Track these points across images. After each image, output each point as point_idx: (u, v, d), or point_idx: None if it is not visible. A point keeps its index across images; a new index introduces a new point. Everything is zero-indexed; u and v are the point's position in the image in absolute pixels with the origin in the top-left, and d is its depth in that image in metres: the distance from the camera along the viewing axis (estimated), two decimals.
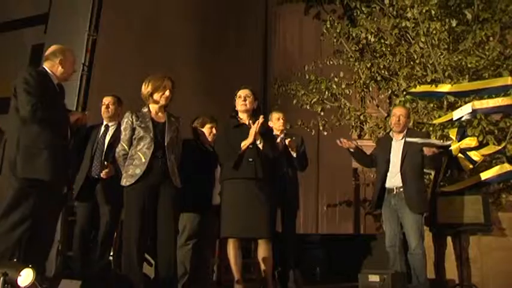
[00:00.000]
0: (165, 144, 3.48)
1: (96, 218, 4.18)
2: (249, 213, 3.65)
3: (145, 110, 3.57)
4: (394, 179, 4.29)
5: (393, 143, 4.41)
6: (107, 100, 4.36)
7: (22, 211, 3.19)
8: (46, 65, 3.51)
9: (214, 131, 4.31)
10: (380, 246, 6.07)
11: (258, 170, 3.71)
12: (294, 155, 4.63)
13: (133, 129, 3.47)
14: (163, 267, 3.41)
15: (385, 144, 4.49)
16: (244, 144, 3.70)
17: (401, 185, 4.23)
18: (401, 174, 4.24)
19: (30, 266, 2.73)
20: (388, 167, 4.33)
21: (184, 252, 4.02)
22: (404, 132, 4.40)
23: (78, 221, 4.26)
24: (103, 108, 4.33)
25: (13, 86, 3.30)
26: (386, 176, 4.34)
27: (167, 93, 3.55)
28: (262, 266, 3.70)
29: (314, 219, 9.88)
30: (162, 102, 3.57)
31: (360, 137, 10.86)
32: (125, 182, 3.43)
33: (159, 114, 3.59)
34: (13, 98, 3.30)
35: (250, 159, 3.72)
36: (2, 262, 2.89)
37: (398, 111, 4.45)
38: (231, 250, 3.70)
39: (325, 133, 6.60)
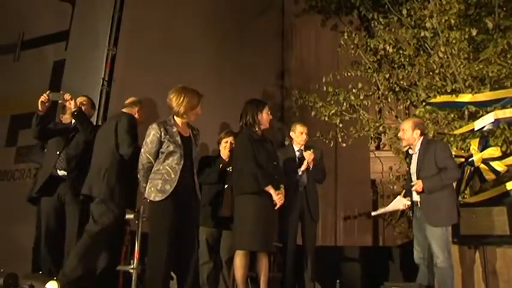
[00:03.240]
0: (192, 158, 3.46)
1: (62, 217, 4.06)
2: (268, 227, 3.70)
3: (171, 122, 3.51)
4: (415, 193, 4.23)
5: (412, 156, 4.35)
6: (81, 99, 4.30)
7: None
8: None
9: (229, 144, 4.37)
10: (402, 258, 6.02)
11: (279, 186, 3.81)
12: (311, 167, 4.61)
13: (161, 143, 3.39)
14: (189, 284, 3.38)
15: (408, 158, 4.47)
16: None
17: (420, 198, 4.18)
18: None
19: (55, 278, 2.77)
20: (411, 181, 4.29)
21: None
22: (419, 143, 4.26)
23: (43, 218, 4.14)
24: None
25: (114, 125, 3.77)
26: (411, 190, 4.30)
27: (199, 111, 3.53)
28: (264, 279, 3.73)
29: (332, 231, 9.79)
30: (192, 119, 3.55)
31: (377, 148, 10.85)
32: (153, 196, 3.33)
33: (184, 127, 3.55)
34: (113, 134, 3.74)
35: (277, 177, 3.82)
36: (28, 275, 2.94)
37: (401, 126, 4.42)
38: (244, 263, 3.69)
39: (344, 145, 6.57)
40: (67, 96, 3.91)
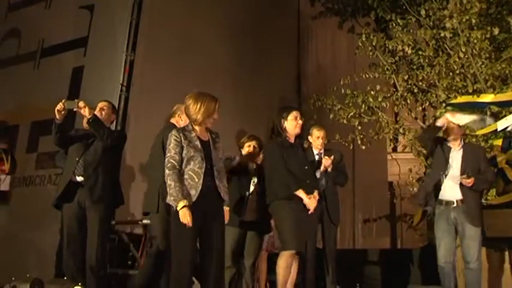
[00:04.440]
0: (212, 162, 3.43)
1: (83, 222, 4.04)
2: (304, 230, 3.76)
3: (189, 128, 3.50)
4: (453, 191, 4.14)
5: (452, 152, 4.26)
6: (102, 104, 4.28)
7: None
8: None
9: (252, 148, 4.31)
10: (422, 260, 5.94)
11: (311, 191, 3.79)
12: (329, 170, 4.58)
13: (182, 148, 3.37)
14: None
15: (445, 150, 4.31)
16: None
17: (461, 197, 4.10)
18: (460, 185, 4.10)
19: (79, 284, 2.77)
20: (444, 177, 4.20)
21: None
22: (461, 142, 4.29)
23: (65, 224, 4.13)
24: (97, 111, 4.19)
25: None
26: (440, 184, 4.20)
27: (216, 116, 3.49)
28: (291, 281, 3.75)
29: (351, 234, 9.73)
30: (209, 125, 3.51)
31: (394, 150, 10.76)
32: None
33: (203, 132, 3.53)
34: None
35: (308, 181, 3.80)
36: (53, 280, 2.96)
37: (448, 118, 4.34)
38: (289, 263, 3.68)
39: (363, 147, 6.53)
40: (81, 104, 3.93)
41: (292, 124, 3.88)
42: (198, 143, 3.41)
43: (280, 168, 3.76)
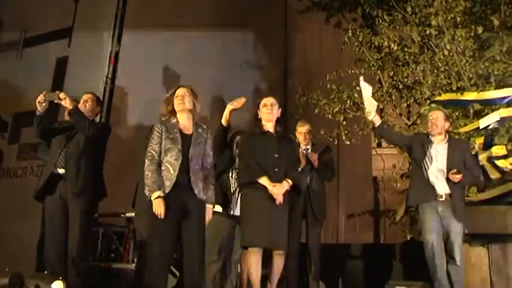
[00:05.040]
0: (189, 156, 3.44)
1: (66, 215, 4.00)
2: (272, 223, 3.60)
3: (173, 120, 3.53)
4: (440, 185, 4.11)
5: (435, 145, 4.22)
6: (86, 96, 4.25)
7: None
8: None
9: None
10: (404, 255, 6.00)
11: (281, 179, 3.68)
12: (315, 165, 4.58)
13: (161, 139, 3.43)
14: (188, 284, 3.36)
15: (426, 144, 4.26)
16: None
17: (449, 191, 4.07)
18: (447, 180, 4.07)
19: (60, 278, 2.76)
20: (427, 172, 4.15)
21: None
22: (446, 137, 4.24)
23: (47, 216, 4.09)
24: (81, 103, 4.19)
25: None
26: (427, 178, 4.15)
27: (178, 99, 3.49)
28: (275, 279, 3.67)
29: (334, 229, 9.80)
30: (179, 108, 3.49)
31: (379, 145, 10.84)
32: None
33: (187, 125, 3.54)
34: None
35: (276, 170, 3.69)
36: (33, 274, 2.94)
37: (433, 114, 4.30)
38: (252, 261, 3.62)
39: (348, 142, 6.56)
40: (62, 95, 3.88)
41: (263, 112, 3.83)
42: (178, 135, 3.44)
43: (246, 156, 3.74)
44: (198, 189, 3.44)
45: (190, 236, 3.38)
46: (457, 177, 3.98)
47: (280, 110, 3.91)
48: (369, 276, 6.03)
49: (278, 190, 3.63)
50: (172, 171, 3.35)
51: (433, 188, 4.12)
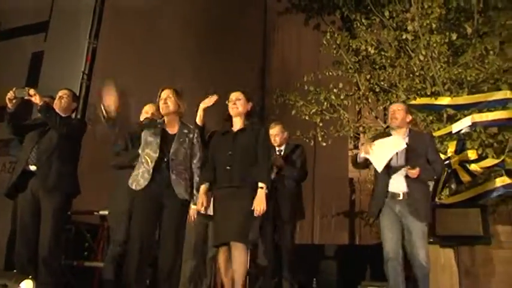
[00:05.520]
0: (169, 154, 3.46)
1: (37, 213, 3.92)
2: (223, 220, 3.52)
3: (162, 119, 3.61)
4: (398, 183, 3.81)
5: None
6: (61, 92, 4.19)
7: None
8: None
9: None
10: (378, 256, 6.07)
11: (234, 178, 3.55)
12: (283, 168, 4.53)
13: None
14: (161, 281, 3.38)
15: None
16: None
17: (407, 189, 3.78)
18: (406, 177, 3.78)
19: (30, 277, 2.71)
20: (390, 170, 3.85)
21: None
22: (407, 131, 3.96)
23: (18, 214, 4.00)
24: (56, 100, 4.13)
25: None
26: (388, 179, 3.86)
27: (162, 102, 3.56)
28: (237, 273, 3.47)
29: (309, 230, 9.86)
30: (164, 111, 3.57)
31: (355, 147, 10.93)
32: (135, 186, 3.43)
33: (173, 125, 3.60)
34: None
35: (228, 167, 3.58)
36: (1, 273, 2.86)
37: (394, 107, 4.05)
38: (221, 259, 3.60)
39: (324, 144, 6.60)
40: (32, 91, 3.83)
41: (229, 107, 3.77)
42: (159, 131, 3.53)
43: (206, 158, 3.73)
44: (180, 189, 3.45)
45: (164, 231, 3.42)
46: (413, 173, 3.71)
47: (250, 104, 3.80)
48: (343, 277, 6.11)
49: (259, 205, 3.47)
50: (150, 163, 3.42)
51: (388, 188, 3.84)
